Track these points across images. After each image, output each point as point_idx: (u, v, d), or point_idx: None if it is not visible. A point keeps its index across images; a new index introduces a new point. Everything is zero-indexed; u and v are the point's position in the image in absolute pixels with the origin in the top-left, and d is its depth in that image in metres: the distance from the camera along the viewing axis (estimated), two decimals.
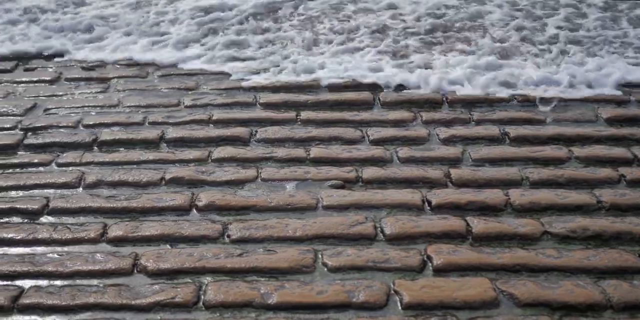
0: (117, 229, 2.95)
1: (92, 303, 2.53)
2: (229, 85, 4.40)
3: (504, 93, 4.14)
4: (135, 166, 3.50)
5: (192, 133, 3.78)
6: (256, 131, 3.78)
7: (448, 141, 3.64)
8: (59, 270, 2.71)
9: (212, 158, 3.55)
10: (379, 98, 4.14)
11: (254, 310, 2.49)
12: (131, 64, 4.81)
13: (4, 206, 3.14)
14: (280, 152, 3.57)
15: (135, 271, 2.71)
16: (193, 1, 5.73)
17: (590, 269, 2.65)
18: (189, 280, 2.64)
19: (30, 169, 3.51)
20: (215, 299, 2.53)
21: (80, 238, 2.91)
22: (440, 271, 2.67)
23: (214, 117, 3.94)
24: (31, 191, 3.30)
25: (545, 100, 4.03)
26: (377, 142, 3.64)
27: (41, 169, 3.51)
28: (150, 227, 2.95)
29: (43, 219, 3.08)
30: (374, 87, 4.26)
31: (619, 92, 4.13)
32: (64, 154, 3.62)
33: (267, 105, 4.10)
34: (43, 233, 2.94)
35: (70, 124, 3.92)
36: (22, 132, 3.85)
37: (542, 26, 5.07)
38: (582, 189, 3.19)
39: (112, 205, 3.13)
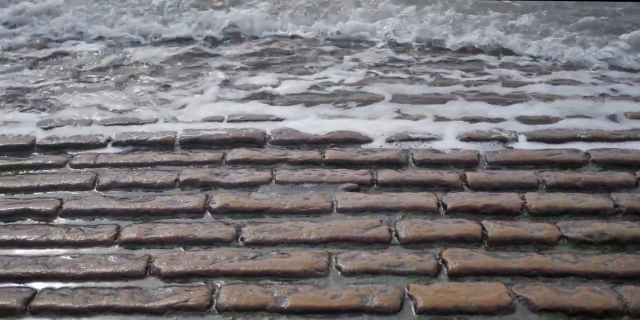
0: (130, 231, 2.94)
1: (105, 306, 2.52)
2: None
3: None
4: (149, 168, 3.49)
5: (206, 134, 3.77)
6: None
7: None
8: (72, 272, 2.70)
9: (227, 160, 3.54)
10: None
11: (267, 314, 2.47)
12: None
13: (17, 207, 3.13)
14: (295, 154, 3.56)
15: (148, 274, 2.70)
16: None
17: (607, 275, 2.63)
18: (202, 283, 2.63)
19: (44, 170, 3.51)
20: (229, 303, 2.51)
21: (93, 240, 2.90)
22: (455, 276, 2.64)
23: None
24: (45, 192, 3.29)
25: None
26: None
27: (55, 170, 3.51)
28: (164, 229, 2.94)
29: (56, 221, 3.07)
30: None
31: None
32: (78, 155, 3.62)
33: None
34: (56, 235, 2.93)
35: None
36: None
37: None
38: (599, 193, 3.17)
39: (125, 207, 3.13)
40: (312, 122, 3.92)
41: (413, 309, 2.48)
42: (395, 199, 3.12)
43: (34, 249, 2.88)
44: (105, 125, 3.98)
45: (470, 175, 3.31)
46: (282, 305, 2.49)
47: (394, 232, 2.89)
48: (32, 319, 2.50)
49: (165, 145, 3.72)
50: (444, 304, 2.48)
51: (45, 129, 3.93)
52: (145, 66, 5.08)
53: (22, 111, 4.20)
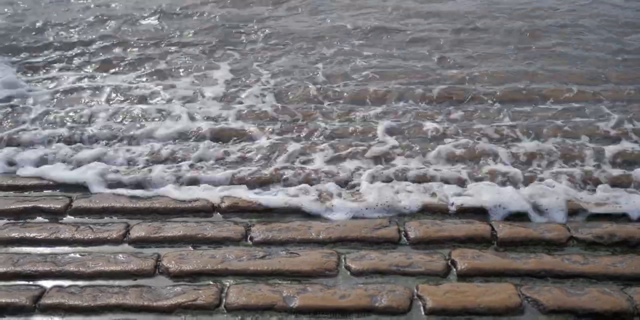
0: (139, 230, 2.94)
1: (114, 304, 2.52)
2: None
3: None
4: None
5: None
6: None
7: None
8: (81, 270, 2.70)
9: None
10: None
11: (276, 313, 2.47)
12: None
13: (27, 205, 3.14)
14: None
15: (157, 272, 2.70)
16: None
17: (617, 276, 2.62)
18: (211, 283, 2.63)
19: None
20: (237, 302, 2.51)
21: (102, 238, 2.90)
22: (464, 276, 2.64)
23: None
24: (54, 190, 3.30)
25: None
26: None
27: None
28: (173, 228, 2.94)
29: (66, 219, 3.08)
30: None
31: None
32: None
33: None
34: (65, 233, 2.94)
35: None
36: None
37: None
38: None
39: (135, 206, 3.13)
40: None
41: (422, 310, 2.47)
42: None
43: (43, 246, 2.88)
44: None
45: None
46: (291, 305, 2.49)
47: (403, 233, 2.89)
48: (41, 316, 2.51)
49: None
50: (453, 305, 2.47)
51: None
52: None
53: None
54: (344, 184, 3.23)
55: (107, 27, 5.69)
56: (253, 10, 6.03)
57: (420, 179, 3.24)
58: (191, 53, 5.01)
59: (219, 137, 3.73)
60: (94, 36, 5.45)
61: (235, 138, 3.71)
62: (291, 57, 4.89)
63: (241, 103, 4.13)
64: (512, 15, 5.72)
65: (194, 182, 3.30)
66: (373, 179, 3.26)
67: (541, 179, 3.22)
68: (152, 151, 3.58)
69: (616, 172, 3.28)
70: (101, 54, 5.07)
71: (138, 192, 3.23)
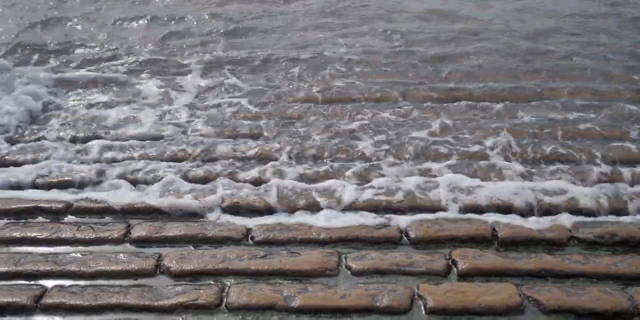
0: (140, 230, 2.94)
1: (115, 304, 2.52)
2: None
3: None
4: None
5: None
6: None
7: None
8: (82, 270, 2.71)
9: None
10: None
11: (277, 313, 2.48)
12: None
13: (28, 205, 3.14)
14: None
15: (158, 272, 2.70)
16: None
17: (617, 276, 2.62)
18: (212, 282, 2.63)
19: None
20: (238, 302, 2.51)
21: (103, 238, 2.91)
22: (465, 276, 2.64)
23: None
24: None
25: None
26: None
27: None
28: (174, 227, 2.94)
29: (67, 219, 3.08)
30: None
31: None
32: None
33: None
34: (66, 232, 2.94)
35: None
36: None
37: None
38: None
39: (135, 206, 3.12)
40: None
41: (423, 309, 2.48)
42: None
43: (44, 246, 2.88)
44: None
45: None
46: (292, 305, 2.49)
47: (403, 232, 2.89)
48: (42, 316, 2.51)
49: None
50: (454, 304, 2.47)
51: None
52: None
53: None
54: (340, 185, 3.23)
55: (84, 30, 5.70)
56: (237, 15, 5.99)
57: (419, 179, 3.24)
58: (168, 58, 4.99)
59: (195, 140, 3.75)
60: (72, 38, 5.45)
61: (212, 141, 3.72)
62: (272, 62, 4.86)
63: (217, 106, 4.15)
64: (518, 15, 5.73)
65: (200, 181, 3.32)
66: (370, 179, 3.26)
67: (545, 179, 3.22)
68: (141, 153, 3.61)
69: (621, 172, 3.28)
70: (76, 55, 5.08)
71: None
